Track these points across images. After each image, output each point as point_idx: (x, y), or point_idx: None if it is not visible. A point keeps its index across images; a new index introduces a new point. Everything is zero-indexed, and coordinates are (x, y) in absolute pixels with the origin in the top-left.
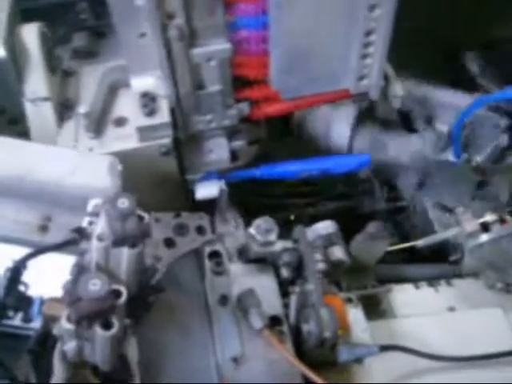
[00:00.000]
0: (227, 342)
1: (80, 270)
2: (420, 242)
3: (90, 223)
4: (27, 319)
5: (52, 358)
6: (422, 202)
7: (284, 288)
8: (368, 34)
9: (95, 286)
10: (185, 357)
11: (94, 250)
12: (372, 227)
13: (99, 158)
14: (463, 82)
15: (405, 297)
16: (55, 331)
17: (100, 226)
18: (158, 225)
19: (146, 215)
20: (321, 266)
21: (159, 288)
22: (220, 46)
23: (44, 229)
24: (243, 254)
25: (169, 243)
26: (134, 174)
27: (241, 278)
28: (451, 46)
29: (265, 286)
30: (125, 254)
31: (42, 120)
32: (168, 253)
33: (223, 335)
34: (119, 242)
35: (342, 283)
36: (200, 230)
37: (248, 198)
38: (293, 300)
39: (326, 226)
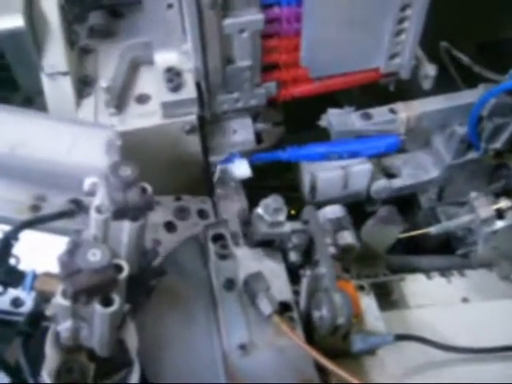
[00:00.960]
0: (233, 328)
1: (77, 244)
2: (433, 229)
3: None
4: (17, 303)
5: (44, 342)
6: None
7: (293, 274)
8: (404, 8)
9: (95, 256)
10: (188, 344)
11: (92, 222)
12: (384, 211)
13: (97, 133)
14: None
15: (417, 287)
16: (48, 312)
17: (99, 198)
18: (157, 208)
19: (149, 187)
20: (330, 250)
21: (160, 271)
22: (253, 16)
23: (36, 209)
24: (250, 236)
25: (169, 227)
26: (156, 154)
27: (247, 262)
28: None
29: (273, 271)
30: (125, 229)
31: (61, 96)
32: (168, 237)
33: (229, 321)
34: (120, 214)
35: (352, 271)
36: (202, 214)
37: (248, 191)
38: (304, 284)
39: (334, 210)
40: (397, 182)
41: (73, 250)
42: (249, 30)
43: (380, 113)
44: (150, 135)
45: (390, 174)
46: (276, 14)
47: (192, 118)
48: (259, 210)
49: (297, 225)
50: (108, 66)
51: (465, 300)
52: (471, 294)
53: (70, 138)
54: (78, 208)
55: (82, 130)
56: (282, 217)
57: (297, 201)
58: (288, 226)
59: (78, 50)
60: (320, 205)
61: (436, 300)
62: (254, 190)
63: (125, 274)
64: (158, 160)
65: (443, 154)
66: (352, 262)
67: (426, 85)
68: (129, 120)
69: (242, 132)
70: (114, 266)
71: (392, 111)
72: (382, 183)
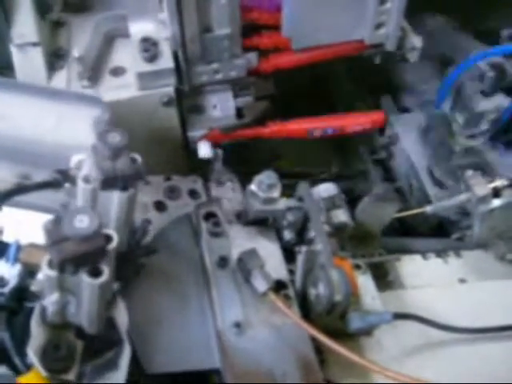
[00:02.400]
0: (227, 306)
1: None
2: (429, 209)
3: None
4: (1, 283)
5: (29, 320)
6: (419, 180)
7: (287, 253)
8: None
9: (82, 222)
10: (181, 323)
11: (80, 193)
12: (380, 188)
13: (85, 108)
14: None
15: (413, 267)
16: (34, 287)
17: (86, 167)
18: (147, 187)
19: (138, 157)
20: (325, 228)
21: (151, 249)
22: None
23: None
24: (243, 215)
25: (159, 207)
26: (131, 129)
27: (240, 241)
28: None
29: (267, 250)
30: (114, 200)
31: (31, 68)
32: (159, 217)
33: (223, 299)
34: (109, 183)
35: (347, 250)
36: (193, 194)
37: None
38: (299, 261)
39: (327, 189)
40: None
41: (59, 218)
42: None
43: None
44: (126, 108)
45: None
46: None
47: (169, 90)
48: (252, 187)
49: (291, 202)
50: (82, 39)
51: (462, 280)
52: (468, 274)
53: (56, 114)
54: (63, 178)
55: (69, 105)
56: (276, 193)
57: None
58: (282, 203)
59: (51, 22)
60: None
61: (433, 281)
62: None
63: (114, 243)
64: (134, 134)
65: None
66: (347, 242)
67: (412, 57)
68: (103, 93)
69: (221, 106)
70: (103, 236)
71: None
72: None
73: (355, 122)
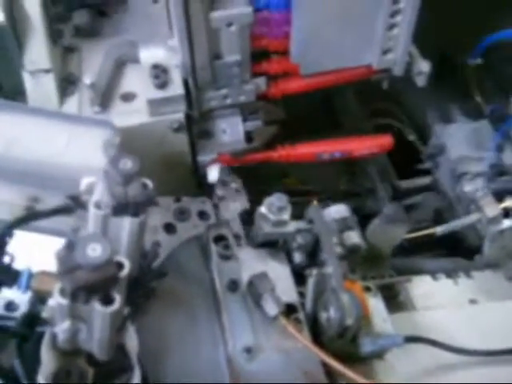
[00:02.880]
0: (238, 331)
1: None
2: (439, 230)
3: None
4: (11, 307)
5: (40, 346)
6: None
7: (297, 275)
8: (397, 0)
9: (95, 251)
10: (191, 348)
11: (91, 219)
12: (390, 209)
13: (95, 131)
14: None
15: (423, 288)
16: (45, 314)
17: (98, 193)
18: (156, 209)
19: (150, 182)
20: (337, 250)
21: (161, 273)
22: (241, 9)
23: (30, 210)
24: (252, 237)
25: (169, 229)
26: (141, 154)
27: (250, 263)
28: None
29: (277, 272)
30: (126, 226)
31: (43, 94)
32: (168, 239)
33: (234, 324)
34: (120, 209)
35: (357, 272)
36: (202, 215)
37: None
38: (309, 284)
39: (339, 210)
40: None
41: (71, 245)
42: (237, 23)
43: None
44: (136, 134)
45: None
46: (265, 18)
47: (179, 116)
48: (262, 209)
49: (302, 224)
50: (92, 65)
51: (472, 301)
52: (479, 295)
53: (66, 136)
54: (75, 204)
55: (79, 127)
56: (286, 215)
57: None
58: (293, 226)
59: (62, 48)
60: None
61: (443, 302)
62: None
63: (126, 271)
64: (144, 160)
65: None
66: (357, 264)
67: (420, 82)
68: (114, 119)
69: (231, 131)
70: (115, 264)
71: None
72: None
73: (363, 145)
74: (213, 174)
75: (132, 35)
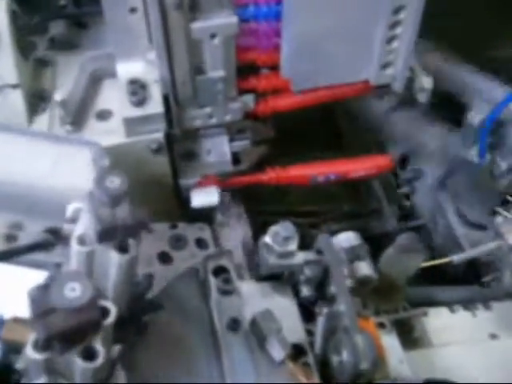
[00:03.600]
0: (240, 376)
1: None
2: (456, 258)
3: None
4: None
5: None
6: (446, 219)
7: (304, 310)
8: (397, 10)
9: (74, 291)
10: None
11: (74, 256)
12: (404, 239)
13: (79, 151)
14: None
15: (440, 322)
16: (19, 365)
17: (82, 226)
18: (150, 237)
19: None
20: (348, 282)
21: (155, 305)
22: (225, 19)
23: (11, 239)
24: (255, 269)
25: (164, 258)
26: None
27: (253, 298)
28: None
29: (283, 308)
30: (113, 262)
31: (10, 111)
32: (163, 269)
33: (235, 368)
34: (108, 234)
35: (369, 306)
36: (200, 243)
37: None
38: (320, 323)
39: (348, 238)
40: None
41: (47, 284)
42: (221, 34)
43: None
44: (112, 156)
45: None
46: (253, 29)
47: (159, 136)
48: (267, 239)
49: (310, 255)
50: (67, 80)
51: (493, 336)
52: (499, 329)
53: (51, 158)
54: (55, 239)
55: (65, 148)
56: (293, 246)
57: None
58: (300, 257)
59: (34, 62)
60: None
61: (462, 337)
62: (253, 215)
63: (111, 318)
64: None
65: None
66: (369, 296)
67: (422, 98)
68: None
69: (216, 152)
70: (98, 307)
71: None
72: None
73: (359, 167)
74: (197, 198)
75: (110, 48)
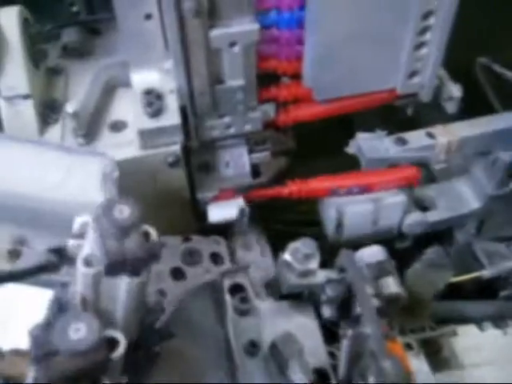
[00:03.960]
0: None
1: (60, 308)
2: (486, 273)
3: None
4: None
5: None
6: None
7: (326, 331)
8: (426, 15)
9: (79, 332)
10: None
11: (79, 278)
12: (431, 253)
13: (89, 162)
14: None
15: (469, 341)
16: None
17: (88, 246)
18: (163, 251)
19: (153, 231)
20: (374, 302)
21: (166, 333)
22: (246, 26)
23: (15, 255)
24: (274, 288)
25: (177, 274)
26: (133, 191)
27: (272, 318)
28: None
29: (304, 329)
30: (123, 286)
31: (21, 123)
32: (176, 286)
33: None
34: (115, 268)
35: (394, 324)
36: (215, 258)
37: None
38: (344, 347)
39: (373, 253)
40: (433, 216)
41: (51, 320)
42: (241, 42)
43: (416, 137)
44: (126, 169)
45: (423, 207)
46: (274, 37)
47: (175, 149)
48: (286, 257)
49: (332, 273)
50: (79, 89)
51: None
52: None
53: (59, 169)
54: (60, 259)
55: (72, 159)
56: (314, 264)
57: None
58: (321, 276)
59: (46, 70)
60: (346, 245)
61: (493, 357)
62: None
63: (121, 350)
64: (136, 198)
65: (484, 184)
66: (394, 313)
67: (450, 108)
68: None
69: (235, 164)
70: (105, 345)
71: (430, 135)
72: (416, 217)
73: (385, 179)
74: (214, 213)
75: (124, 56)
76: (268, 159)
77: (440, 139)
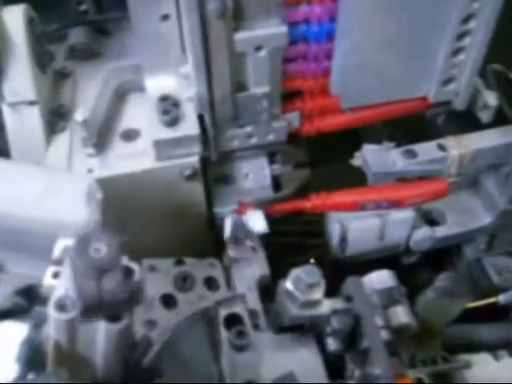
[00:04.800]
0: None
1: (30, 358)
2: (502, 298)
3: (55, 275)
4: None
5: None
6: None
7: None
8: (467, 19)
9: None
10: None
11: (52, 323)
12: (445, 280)
13: (71, 180)
14: None
15: (484, 372)
16: None
17: (62, 286)
18: (153, 276)
19: (136, 267)
20: (383, 335)
21: (154, 371)
22: (273, 29)
23: None
24: (274, 319)
25: (168, 302)
26: (147, 206)
27: (272, 354)
28: None
29: (305, 364)
30: (101, 331)
31: (26, 131)
32: (167, 315)
33: None
34: (91, 312)
35: (403, 355)
36: (210, 283)
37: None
38: None
39: (382, 278)
40: (442, 231)
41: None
42: (268, 46)
43: (427, 150)
44: (140, 182)
45: (431, 221)
46: (301, 52)
47: (193, 160)
48: (288, 285)
49: (338, 303)
50: (89, 94)
51: None
52: None
53: (36, 185)
54: (30, 301)
55: (52, 175)
56: (318, 294)
57: (315, 248)
58: (326, 306)
59: (53, 74)
60: (351, 260)
61: None
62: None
63: None
64: (149, 214)
65: (496, 197)
66: (403, 342)
67: (485, 117)
68: (112, 162)
69: (255, 176)
70: None
71: (441, 148)
72: (424, 232)
73: (415, 193)
74: (256, 224)
75: (137, 58)
76: (290, 171)
77: (452, 152)
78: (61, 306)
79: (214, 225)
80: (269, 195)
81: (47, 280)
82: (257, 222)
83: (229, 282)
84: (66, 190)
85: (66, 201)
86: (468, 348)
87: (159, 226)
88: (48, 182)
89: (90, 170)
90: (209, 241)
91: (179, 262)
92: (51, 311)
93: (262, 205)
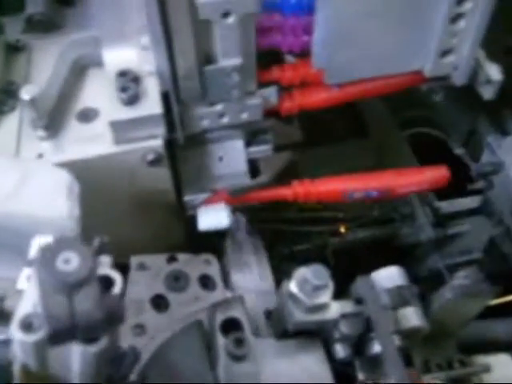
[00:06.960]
0: None
1: None
2: None
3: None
4: None
5: None
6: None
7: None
8: None
9: None
10: None
11: (17, 345)
12: (465, 277)
13: (52, 174)
14: None
15: (502, 373)
16: None
17: (28, 302)
18: (142, 274)
19: (117, 276)
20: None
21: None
22: None
23: None
24: (276, 324)
25: (159, 304)
26: (106, 195)
27: (273, 363)
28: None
29: (311, 372)
30: (76, 353)
31: None
32: (157, 319)
33: None
34: (62, 335)
35: (416, 357)
36: (205, 282)
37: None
38: None
39: (392, 276)
40: None
41: None
42: (237, 12)
43: None
44: (98, 169)
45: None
46: (277, 23)
47: (156, 144)
48: (292, 287)
49: (347, 306)
50: (44, 69)
51: None
52: None
53: (11, 177)
54: None
55: (28, 167)
56: (325, 297)
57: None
58: (334, 310)
59: (5, 46)
60: None
61: None
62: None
63: None
64: (110, 205)
65: None
66: (416, 344)
67: (487, 93)
68: (66, 147)
69: (229, 160)
70: None
71: None
72: None
73: (409, 181)
74: (204, 219)
75: (97, 30)
76: (269, 154)
77: None
78: (26, 326)
79: (185, 215)
80: (245, 182)
81: (21, 284)
82: (220, 216)
83: (226, 281)
84: (43, 182)
85: (42, 194)
86: (483, 347)
87: (122, 218)
88: (23, 173)
89: (40, 155)
90: (182, 233)
91: (172, 259)
92: (15, 331)
93: (238, 192)
